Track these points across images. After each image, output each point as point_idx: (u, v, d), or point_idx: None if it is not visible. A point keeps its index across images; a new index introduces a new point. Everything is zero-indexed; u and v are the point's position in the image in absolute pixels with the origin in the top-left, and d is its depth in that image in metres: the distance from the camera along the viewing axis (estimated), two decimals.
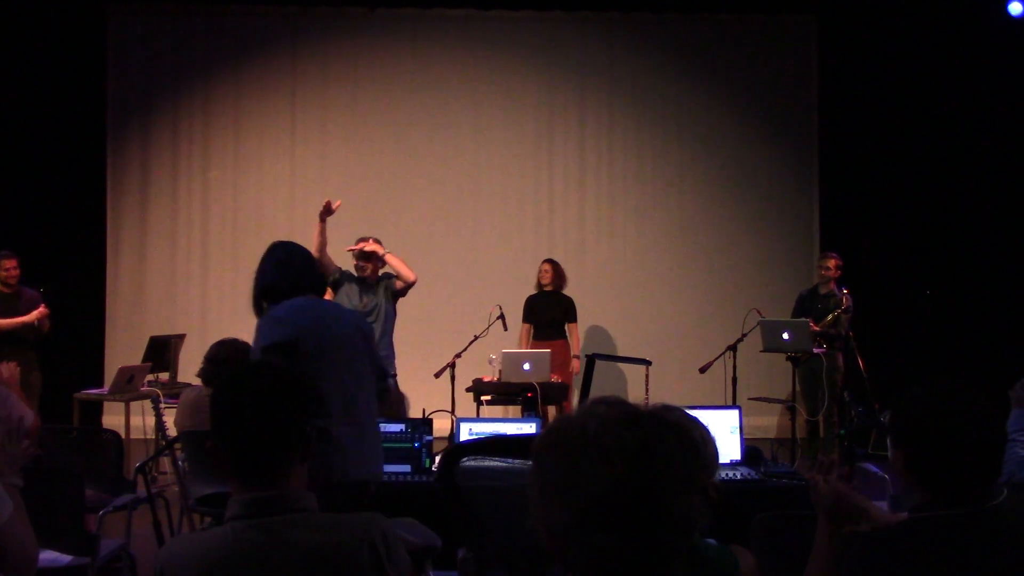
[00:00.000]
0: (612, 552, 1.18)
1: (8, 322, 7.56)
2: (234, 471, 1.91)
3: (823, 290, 8.15)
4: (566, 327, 8.52)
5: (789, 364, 7.88)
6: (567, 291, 8.67)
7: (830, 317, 7.85)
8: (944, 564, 1.88)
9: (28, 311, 7.67)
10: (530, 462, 1.28)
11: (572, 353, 8.41)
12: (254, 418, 1.91)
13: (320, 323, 3.67)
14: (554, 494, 1.21)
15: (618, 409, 1.25)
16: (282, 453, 1.91)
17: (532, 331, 8.53)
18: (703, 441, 1.26)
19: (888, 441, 2.08)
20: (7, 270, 7.62)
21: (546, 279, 8.57)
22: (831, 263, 8.15)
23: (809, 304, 8.14)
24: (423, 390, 9.62)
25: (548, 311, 8.52)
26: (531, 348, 8.15)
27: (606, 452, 1.19)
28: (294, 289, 3.75)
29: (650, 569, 1.20)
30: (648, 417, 1.24)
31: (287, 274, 3.79)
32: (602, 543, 1.18)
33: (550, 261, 8.72)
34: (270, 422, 1.91)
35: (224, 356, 4.96)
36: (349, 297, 6.40)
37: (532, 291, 8.74)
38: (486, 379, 7.86)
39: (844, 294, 7.96)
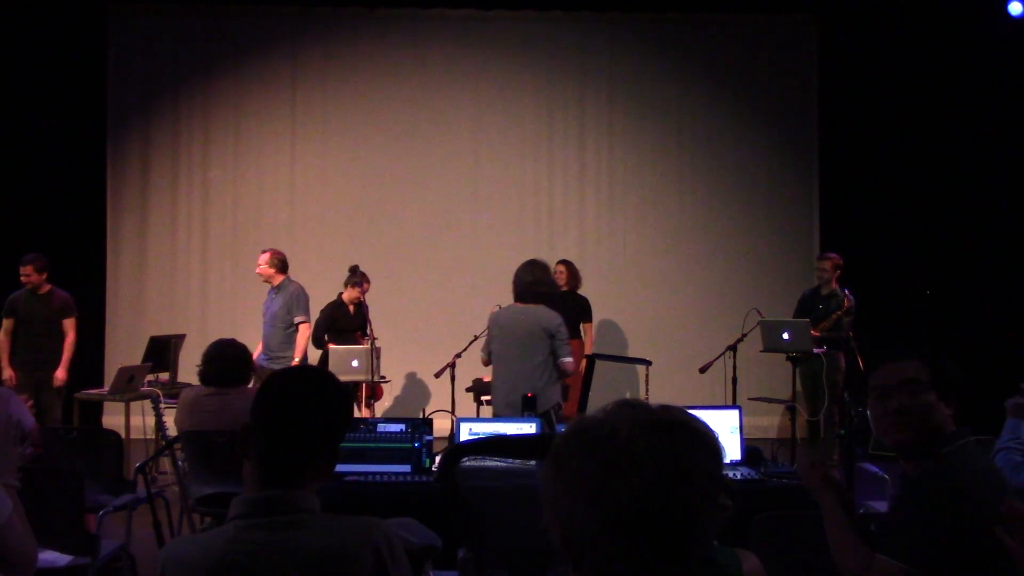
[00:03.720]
0: (635, 558, 1.18)
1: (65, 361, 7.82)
2: (259, 466, 1.89)
3: (825, 290, 8.14)
4: (581, 327, 8.52)
5: (789, 364, 7.88)
6: (582, 291, 8.67)
7: (832, 317, 7.85)
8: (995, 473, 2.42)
9: (59, 314, 7.86)
10: (532, 462, 1.28)
11: (584, 353, 8.40)
12: (302, 418, 1.90)
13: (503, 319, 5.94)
14: (579, 497, 1.20)
15: (646, 414, 1.24)
16: (313, 459, 1.91)
17: None
18: (719, 447, 1.26)
19: (934, 399, 2.36)
20: (25, 276, 7.69)
21: (561, 280, 8.55)
22: (827, 264, 8.14)
23: (810, 304, 8.13)
24: (423, 390, 9.65)
25: (564, 312, 8.49)
26: None
27: (638, 460, 1.18)
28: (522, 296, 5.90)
29: (669, 574, 1.19)
30: (676, 424, 1.23)
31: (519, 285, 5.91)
32: (626, 549, 1.17)
33: (564, 262, 8.70)
34: (315, 426, 1.91)
35: (222, 356, 4.97)
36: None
37: None
38: (486, 379, 7.85)
39: (846, 295, 7.95)
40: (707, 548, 1.24)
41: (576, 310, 8.54)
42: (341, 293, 8.40)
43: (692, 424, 1.24)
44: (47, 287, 7.83)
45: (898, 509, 2.37)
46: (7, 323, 7.79)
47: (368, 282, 8.08)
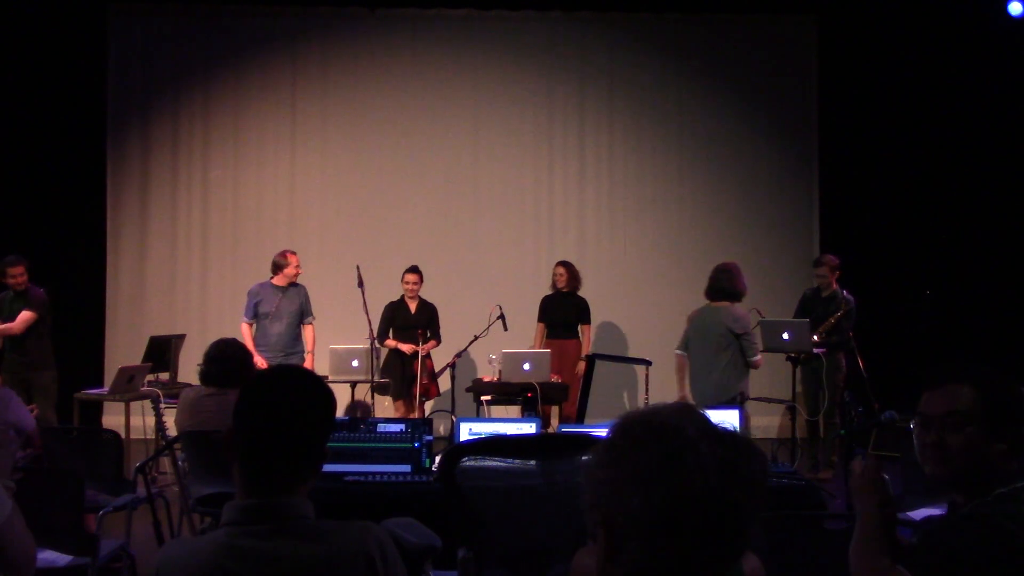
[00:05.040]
0: (680, 554, 1.19)
1: None
2: (243, 472, 1.86)
3: (825, 292, 8.13)
4: (579, 328, 8.54)
5: (789, 364, 7.88)
6: (582, 292, 8.68)
7: (831, 320, 7.84)
8: None
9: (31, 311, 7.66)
10: (532, 462, 1.27)
11: (581, 354, 8.41)
12: (280, 422, 1.86)
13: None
14: (637, 485, 1.20)
15: (708, 420, 1.26)
16: (298, 465, 1.87)
17: (546, 331, 8.56)
18: (768, 465, 1.30)
19: (977, 434, 2.09)
20: (14, 277, 7.62)
21: (561, 282, 8.58)
22: (824, 269, 8.12)
23: (811, 306, 8.12)
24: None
25: (562, 312, 8.56)
26: (545, 348, 8.17)
27: (702, 460, 1.20)
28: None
29: (709, 574, 1.21)
30: (737, 436, 1.26)
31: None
32: (673, 544, 1.19)
33: (564, 264, 8.72)
34: (295, 430, 1.86)
35: (224, 355, 4.97)
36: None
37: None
38: (486, 379, 7.87)
39: (845, 297, 7.94)
40: (741, 556, 1.26)
41: (575, 311, 8.55)
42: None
43: (748, 439, 1.27)
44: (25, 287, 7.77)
45: (939, 535, 2.14)
46: None
47: (411, 273, 8.37)
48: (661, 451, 1.21)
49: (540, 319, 8.59)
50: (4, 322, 7.62)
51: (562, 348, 8.33)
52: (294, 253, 8.10)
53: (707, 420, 1.26)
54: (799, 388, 7.98)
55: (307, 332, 8.11)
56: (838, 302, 7.93)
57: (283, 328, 7.93)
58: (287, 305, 7.97)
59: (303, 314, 8.06)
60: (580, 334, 8.55)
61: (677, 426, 1.23)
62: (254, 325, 8.01)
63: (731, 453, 1.22)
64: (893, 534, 2.16)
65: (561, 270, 8.65)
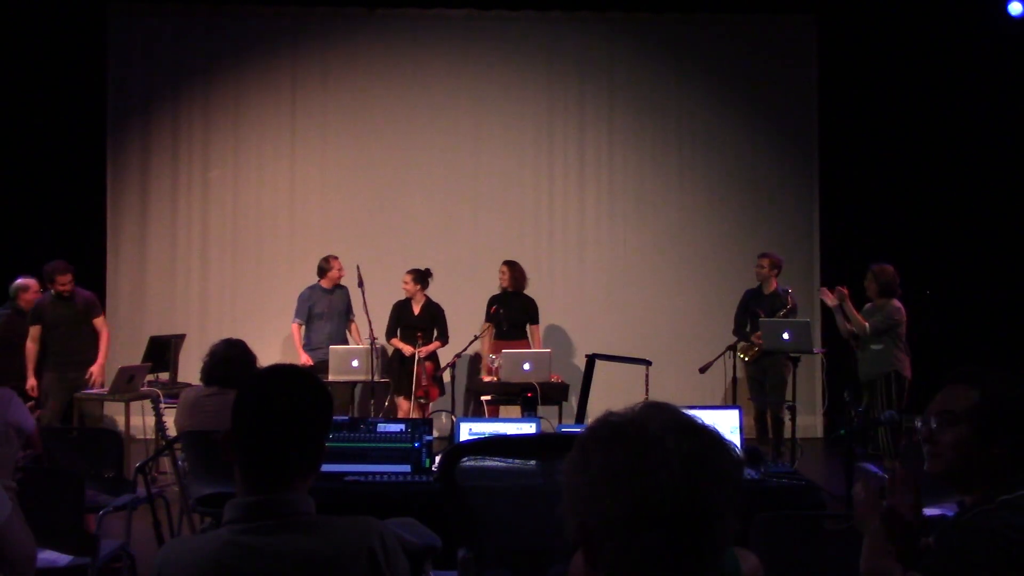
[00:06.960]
0: (654, 552, 1.19)
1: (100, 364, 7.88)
2: (243, 471, 1.87)
3: (766, 290, 8.15)
4: (528, 328, 8.48)
5: (789, 364, 7.87)
6: (529, 292, 8.61)
7: (779, 317, 7.85)
8: None
9: (85, 315, 7.88)
10: (532, 462, 1.27)
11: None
12: (278, 421, 1.87)
13: None
14: (604, 487, 1.21)
15: (675, 415, 1.26)
16: (296, 463, 1.88)
17: (493, 331, 8.47)
18: (741, 458, 1.28)
19: (968, 433, 2.09)
20: (62, 285, 7.72)
21: (504, 281, 8.52)
22: (764, 261, 8.19)
23: (753, 304, 8.14)
24: None
25: (510, 312, 8.46)
26: (492, 348, 8.15)
27: (667, 455, 1.20)
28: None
29: (685, 572, 1.20)
30: (704, 429, 1.25)
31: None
32: (647, 542, 1.19)
33: (508, 263, 8.66)
34: (294, 428, 1.88)
35: (230, 356, 4.97)
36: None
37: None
38: (486, 379, 7.86)
39: (788, 295, 7.98)
40: (723, 554, 1.25)
41: (522, 311, 8.47)
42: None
43: (718, 432, 1.26)
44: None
45: (947, 543, 2.12)
46: (34, 330, 7.77)
47: (406, 274, 8.51)
48: (626, 450, 1.21)
49: (488, 319, 8.53)
50: (48, 325, 7.76)
51: (511, 348, 8.24)
52: (336, 258, 8.50)
53: (677, 415, 1.25)
54: (748, 382, 8.03)
55: (352, 330, 8.60)
56: (781, 300, 7.97)
57: (332, 328, 8.43)
58: (336, 305, 8.47)
59: (348, 313, 8.61)
60: (529, 335, 8.48)
61: (642, 424, 1.23)
62: (303, 326, 8.44)
63: (698, 446, 1.21)
64: (915, 542, 2.11)
65: (504, 268, 8.58)
